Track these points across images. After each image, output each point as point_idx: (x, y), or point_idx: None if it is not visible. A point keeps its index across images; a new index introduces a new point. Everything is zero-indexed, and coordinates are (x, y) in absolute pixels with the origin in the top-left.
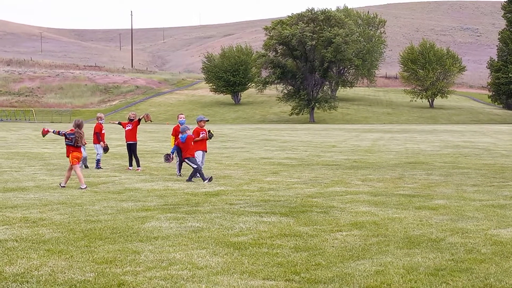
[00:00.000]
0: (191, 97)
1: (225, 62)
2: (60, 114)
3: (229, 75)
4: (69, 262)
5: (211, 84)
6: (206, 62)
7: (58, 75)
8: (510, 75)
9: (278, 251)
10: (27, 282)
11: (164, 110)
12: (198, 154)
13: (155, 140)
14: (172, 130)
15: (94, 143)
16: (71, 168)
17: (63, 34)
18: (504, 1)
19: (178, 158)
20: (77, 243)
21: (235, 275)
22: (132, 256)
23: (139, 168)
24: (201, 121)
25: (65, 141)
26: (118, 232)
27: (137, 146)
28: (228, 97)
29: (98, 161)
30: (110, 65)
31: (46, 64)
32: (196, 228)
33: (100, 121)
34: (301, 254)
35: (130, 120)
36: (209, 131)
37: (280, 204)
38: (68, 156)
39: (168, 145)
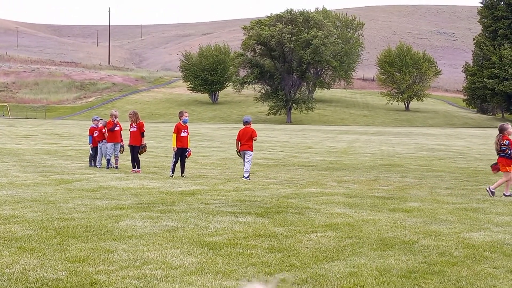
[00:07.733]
0: (168, 95)
1: (203, 61)
2: (35, 110)
3: (207, 74)
4: (41, 260)
5: (188, 82)
6: (184, 60)
7: (34, 70)
8: (485, 80)
9: (253, 251)
10: None
11: (140, 108)
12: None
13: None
14: (174, 127)
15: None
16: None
17: (40, 29)
18: (480, 6)
19: (174, 158)
20: (49, 241)
21: (209, 275)
22: (105, 255)
23: (139, 170)
24: (248, 122)
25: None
26: (92, 230)
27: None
28: (205, 96)
29: (108, 161)
30: (87, 61)
31: (22, 59)
32: (171, 228)
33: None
34: (276, 254)
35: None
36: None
37: (256, 204)
38: None
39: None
